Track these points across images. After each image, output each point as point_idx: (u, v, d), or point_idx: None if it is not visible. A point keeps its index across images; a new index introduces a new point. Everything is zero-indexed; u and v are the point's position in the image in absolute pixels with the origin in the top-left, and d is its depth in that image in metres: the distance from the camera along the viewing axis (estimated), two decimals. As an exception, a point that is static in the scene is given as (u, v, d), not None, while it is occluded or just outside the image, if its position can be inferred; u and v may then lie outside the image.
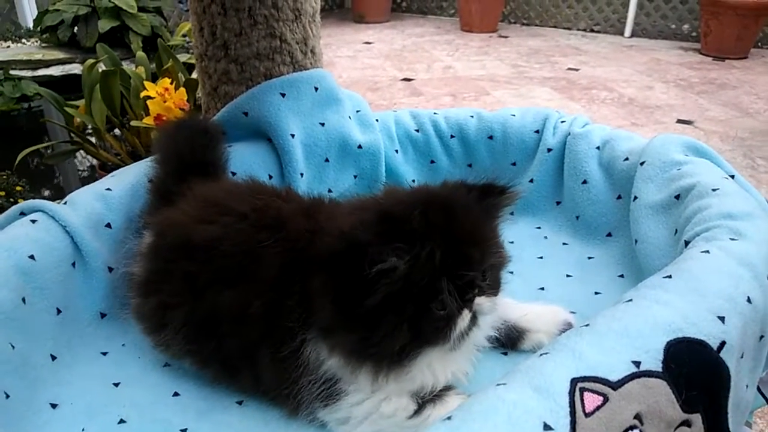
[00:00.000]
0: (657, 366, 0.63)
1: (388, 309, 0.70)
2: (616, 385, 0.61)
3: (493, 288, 0.79)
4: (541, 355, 0.66)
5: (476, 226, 0.76)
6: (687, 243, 0.88)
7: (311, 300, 0.76)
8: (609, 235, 1.23)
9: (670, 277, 0.74)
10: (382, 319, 0.71)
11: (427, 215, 0.72)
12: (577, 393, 0.60)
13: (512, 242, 1.29)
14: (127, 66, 2.23)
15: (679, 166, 1.07)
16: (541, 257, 1.23)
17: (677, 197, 1.03)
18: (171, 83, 1.86)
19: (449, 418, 0.59)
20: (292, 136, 1.24)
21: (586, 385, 0.61)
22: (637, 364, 0.63)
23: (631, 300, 0.72)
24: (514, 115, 1.40)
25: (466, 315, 0.75)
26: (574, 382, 0.61)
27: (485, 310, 0.77)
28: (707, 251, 0.78)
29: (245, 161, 1.22)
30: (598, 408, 0.60)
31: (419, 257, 0.69)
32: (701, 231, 0.87)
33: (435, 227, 0.71)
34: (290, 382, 0.79)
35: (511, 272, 1.16)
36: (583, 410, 0.59)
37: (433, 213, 0.72)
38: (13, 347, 0.82)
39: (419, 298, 0.71)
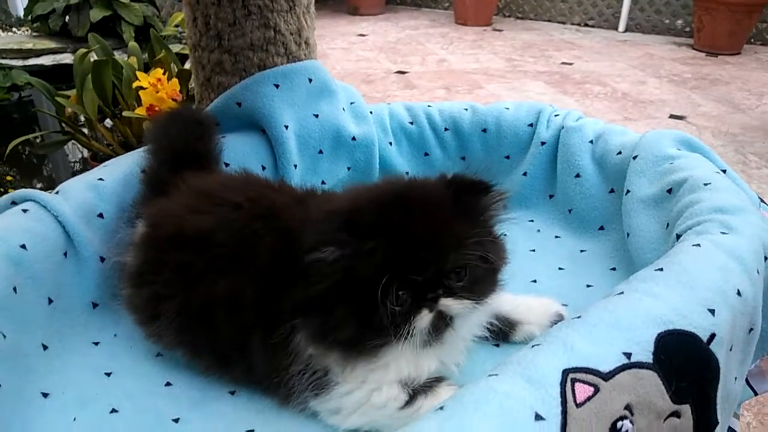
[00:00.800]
0: (647, 357, 0.64)
1: (338, 299, 0.72)
2: (607, 376, 0.62)
3: (472, 290, 0.75)
4: (533, 346, 0.67)
5: (442, 224, 0.73)
6: (678, 236, 0.89)
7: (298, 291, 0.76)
8: (601, 228, 1.23)
9: (661, 270, 0.75)
10: (334, 307, 0.72)
11: (384, 211, 0.72)
12: (569, 383, 0.60)
13: (505, 235, 1.29)
14: (119, 56, 2.21)
15: (672, 161, 1.08)
16: (534, 250, 1.23)
17: (669, 191, 1.03)
18: (163, 74, 1.84)
19: (441, 408, 0.59)
20: (286, 127, 1.24)
21: (578, 375, 0.61)
22: (628, 355, 0.63)
23: (622, 292, 0.72)
24: (508, 109, 1.41)
25: (425, 315, 0.72)
26: (566, 372, 0.61)
27: (455, 312, 0.74)
28: (698, 245, 0.79)
29: (238, 152, 1.22)
30: (589, 398, 0.60)
31: (360, 252, 0.69)
32: (693, 225, 0.87)
33: (389, 224, 0.71)
34: (281, 369, 0.79)
35: (504, 264, 1.17)
36: (575, 400, 0.59)
37: (392, 209, 0.72)
38: (5, 337, 0.82)
39: (366, 293, 0.70)
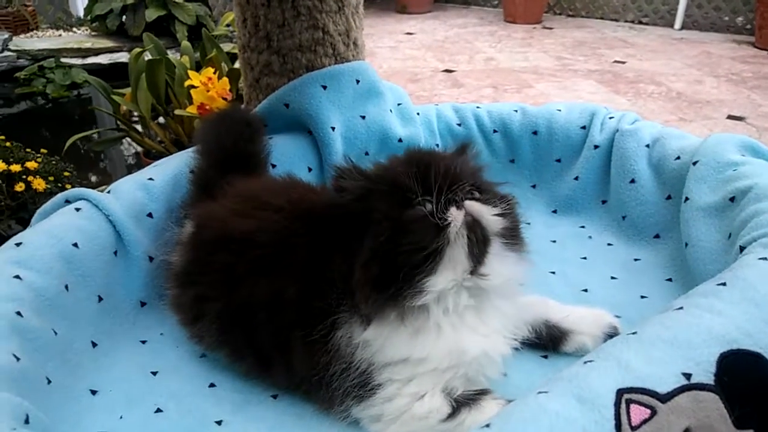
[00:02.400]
0: (709, 379, 0.60)
1: (367, 217, 0.75)
2: (664, 398, 0.59)
3: (496, 204, 0.78)
4: (585, 362, 0.64)
5: (446, 158, 0.82)
6: (742, 248, 0.84)
7: (342, 282, 0.77)
8: (657, 236, 1.18)
9: (724, 284, 0.71)
10: (365, 227, 0.75)
11: (395, 162, 0.82)
12: (623, 405, 0.58)
13: (554, 241, 1.26)
14: (172, 55, 2.25)
15: (735, 167, 1.02)
16: (585, 258, 1.19)
17: (732, 199, 0.98)
18: (214, 73, 1.87)
19: (488, 425, 0.57)
20: (333, 128, 1.24)
21: (633, 396, 0.58)
22: (688, 376, 0.60)
23: (681, 308, 0.69)
24: (559, 110, 1.37)
25: (456, 213, 0.73)
26: (620, 393, 0.58)
27: (484, 216, 0.75)
28: (765, 258, 0.74)
29: (285, 153, 1.22)
30: (645, 421, 0.57)
31: (383, 168, 0.80)
32: (759, 236, 0.83)
33: (402, 164, 0.80)
34: (321, 368, 0.78)
35: (553, 272, 1.14)
36: (629, 423, 0.57)
37: (401, 159, 0.82)
38: (56, 333, 0.84)
39: (391, 198, 0.75)
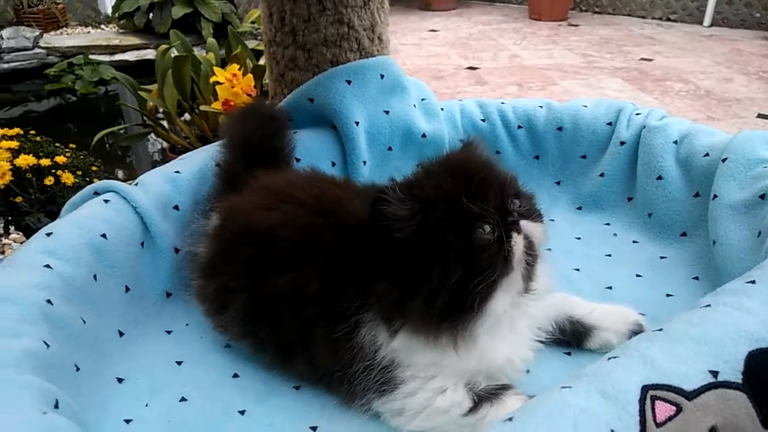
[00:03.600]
0: (736, 377, 0.59)
1: (430, 247, 0.71)
2: (690, 395, 0.58)
3: (533, 215, 0.78)
4: (609, 359, 0.63)
5: (487, 165, 0.79)
6: (772, 246, 0.83)
7: (368, 284, 0.76)
8: (684, 234, 1.16)
9: (753, 282, 0.70)
10: (430, 258, 0.71)
11: (434, 170, 0.78)
12: (648, 401, 0.57)
13: (579, 238, 1.24)
14: (198, 52, 2.28)
15: (766, 164, 1.00)
16: (610, 255, 1.18)
17: (762, 197, 0.96)
18: (239, 69, 1.88)
19: (510, 419, 0.57)
20: (357, 123, 1.24)
21: (658, 393, 0.58)
22: (715, 374, 0.59)
23: (709, 305, 0.68)
24: (585, 106, 1.35)
25: (517, 239, 0.73)
26: (645, 389, 0.58)
27: (534, 234, 0.75)
28: (796, 256, 0.73)
29: (309, 148, 1.22)
30: (670, 418, 0.56)
31: (430, 186, 0.74)
32: (789, 234, 0.81)
33: (445, 174, 0.76)
34: (344, 365, 0.79)
35: (578, 269, 1.13)
36: (654, 420, 0.56)
37: (441, 167, 0.78)
38: (84, 322, 0.85)
39: (455, 226, 0.71)
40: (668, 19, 5.18)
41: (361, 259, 0.77)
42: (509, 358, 0.79)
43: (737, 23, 4.84)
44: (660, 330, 0.65)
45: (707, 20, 4.94)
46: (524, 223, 0.75)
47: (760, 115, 3.06)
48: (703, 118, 3.01)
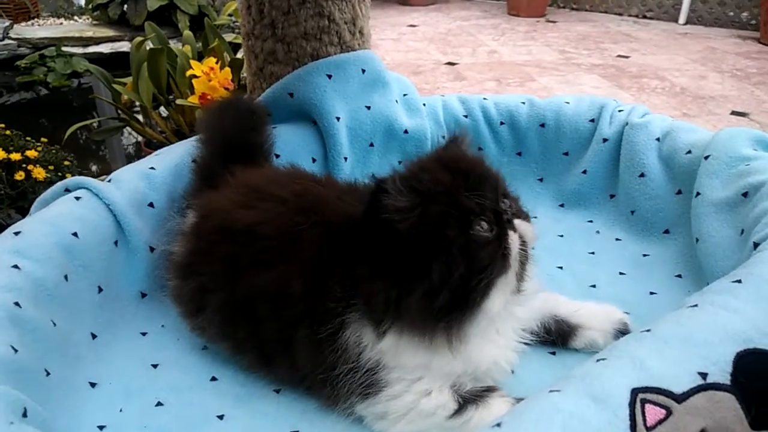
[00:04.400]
0: (725, 379, 0.58)
1: (430, 242, 0.70)
2: (680, 398, 0.57)
3: (522, 215, 0.79)
4: (597, 360, 0.62)
5: (479, 164, 0.78)
6: (756, 245, 0.82)
7: (355, 283, 0.74)
8: (666, 232, 1.16)
9: (739, 281, 0.69)
10: (430, 253, 0.69)
11: (434, 167, 0.76)
12: (638, 405, 0.56)
13: (562, 236, 1.24)
14: (174, 45, 2.23)
15: (748, 162, 1.00)
16: (593, 253, 1.17)
17: (745, 195, 0.96)
18: (216, 62, 1.84)
19: (498, 425, 0.55)
20: (338, 119, 1.21)
21: (648, 396, 0.57)
22: (704, 375, 0.58)
23: (696, 305, 0.67)
24: (568, 103, 1.34)
25: (513, 236, 0.73)
26: (635, 392, 0.57)
27: (527, 233, 0.76)
28: (781, 255, 0.73)
29: (289, 143, 1.20)
30: (660, 422, 0.55)
31: (428, 180, 0.72)
32: (773, 233, 0.81)
33: (441, 172, 0.74)
34: (327, 367, 0.77)
35: (561, 267, 1.12)
36: (645, 424, 0.55)
37: (435, 165, 0.77)
38: (55, 324, 0.82)
39: (457, 220, 0.70)
40: (644, 17, 5.24)
41: (349, 258, 0.75)
42: (495, 360, 0.78)
43: (711, 21, 4.91)
44: (648, 331, 0.65)
45: (682, 18, 5.00)
46: (518, 222, 0.74)
47: (734, 112, 3.09)
48: (678, 114, 3.04)
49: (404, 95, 1.34)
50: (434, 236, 0.70)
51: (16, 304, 0.76)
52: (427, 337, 0.72)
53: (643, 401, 0.56)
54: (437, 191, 0.72)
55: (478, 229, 0.71)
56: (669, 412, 0.56)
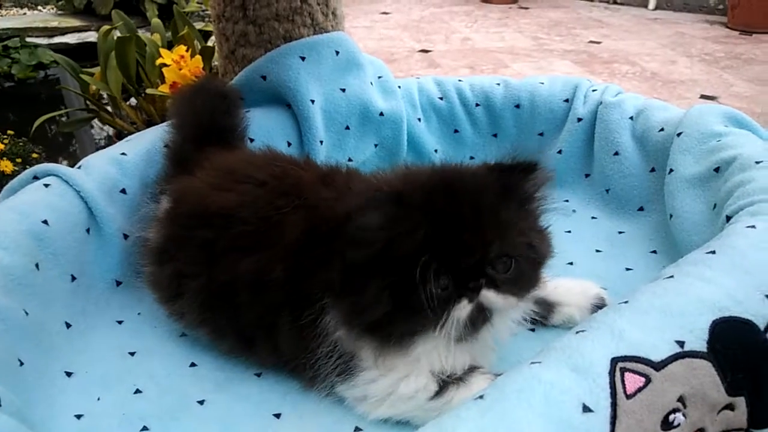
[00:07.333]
0: (702, 346, 0.60)
1: (374, 273, 0.67)
2: (658, 366, 0.58)
3: (515, 284, 0.69)
4: (577, 332, 0.63)
5: (489, 211, 0.68)
6: (729, 218, 0.84)
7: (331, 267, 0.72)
8: (641, 209, 1.18)
9: (713, 252, 0.70)
10: (369, 283, 0.67)
11: (432, 193, 0.68)
12: (618, 373, 0.57)
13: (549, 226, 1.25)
14: (143, 33, 2.19)
15: (719, 138, 1.02)
16: (569, 231, 1.18)
17: (717, 170, 0.98)
18: (186, 50, 1.81)
19: (481, 397, 0.56)
20: (312, 101, 1.20)
21: (628, 365, 0.57)
22: (681, 344, 0.59)
23: (672, 276, 0.68)
24: (542, 83, 1.35)
25: (464, 305, 0.67)
26: (615, 361, 0.57)
27: (496, 307, 0.69)
28: (753, 226, 0.74)
29: (263, 127, 1.18)
30: (639, 389, 0.56)
31: (404, 224, 0.65)
32: (745, 205, 0.82)
33: (437, 205, 0.67)
34: (308, 351, 0.76)
35: (538, 246, 1.12)
36: (624, 392, 0.56)
37: (441, 193, 0.68)
38: (27, 313, 0.80)
39: (405, 270, 0.65)
40: (615, 2, 5.28)
41: (331, 249, 0.73)
42: (472, 364, 0.77)
43: (680, 7, 4.97)
44: (626, 302, 0.65)
45: (652, 4, 5.05)
46: (486, 294, 0.67)
47: (703, 96, 3.14)
48: (650, 98, 3.07)
49: (379, 77, 1.34)
50: (386, 259, 0.66)
51: (-15, 293, 0.74)
52: (355, 339, 0.72)
53: (623, 370, 0.57)
54: (415, 226, 0.65)
55: (430, 282, 0.65)
56: (648, 380, 0.57)
